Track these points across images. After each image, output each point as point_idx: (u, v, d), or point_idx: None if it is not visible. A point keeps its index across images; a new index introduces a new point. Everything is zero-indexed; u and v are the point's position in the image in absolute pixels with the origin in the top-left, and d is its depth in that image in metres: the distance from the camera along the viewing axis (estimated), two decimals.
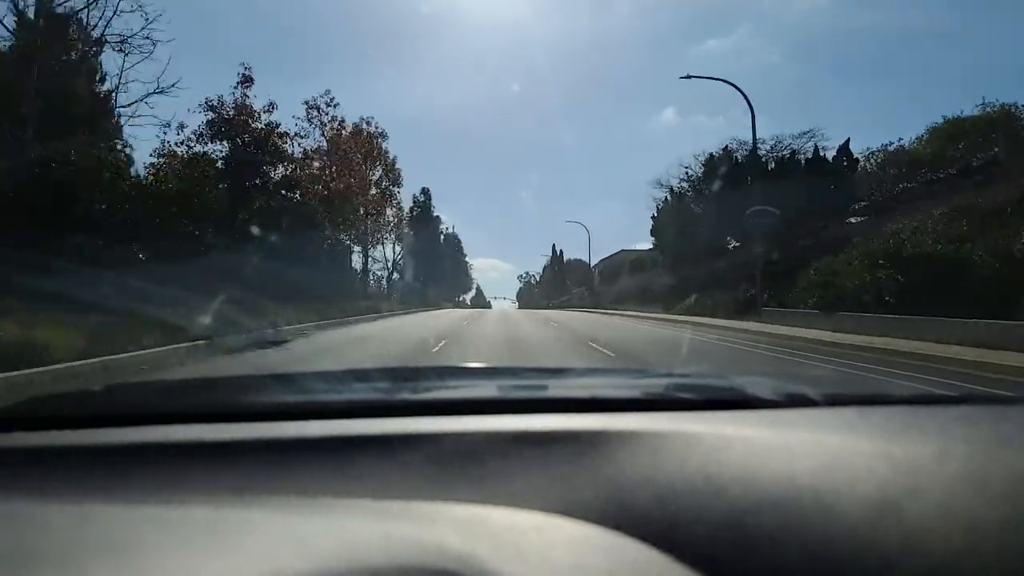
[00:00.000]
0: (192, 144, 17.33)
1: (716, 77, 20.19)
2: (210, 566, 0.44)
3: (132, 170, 15.62)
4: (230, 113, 17.49)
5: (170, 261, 13.08)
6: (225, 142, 17.17)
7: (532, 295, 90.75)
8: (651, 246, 48.07)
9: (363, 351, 10.91)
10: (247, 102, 17.83)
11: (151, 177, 14.82)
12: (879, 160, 22.27)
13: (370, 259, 39.77)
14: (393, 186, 37.11)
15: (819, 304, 16.50)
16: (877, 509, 0.52)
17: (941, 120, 21.21)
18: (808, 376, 7.77)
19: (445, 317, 26.45)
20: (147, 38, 18.29)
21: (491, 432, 0.76)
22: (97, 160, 13.81)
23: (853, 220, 22.93)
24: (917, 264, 12.73)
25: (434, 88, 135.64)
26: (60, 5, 19.30)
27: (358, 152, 30.40)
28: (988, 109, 20.45)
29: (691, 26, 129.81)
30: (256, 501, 0.60)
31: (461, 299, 75.07)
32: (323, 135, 28.25)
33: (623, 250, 53.48)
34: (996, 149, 17.85)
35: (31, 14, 20.67)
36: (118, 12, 18.53)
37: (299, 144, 24.21)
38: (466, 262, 77.24)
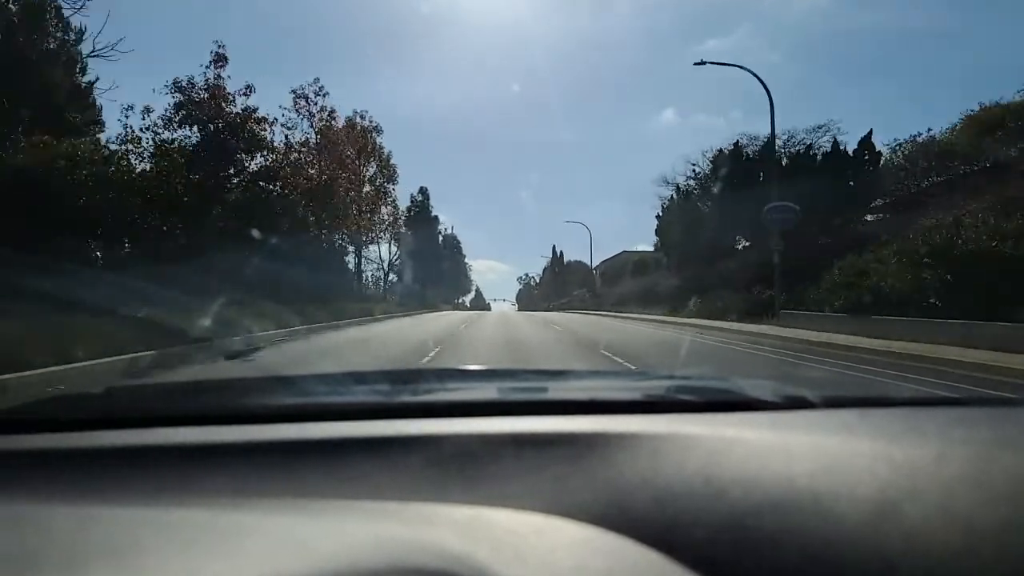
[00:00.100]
0: (159, 131, 15.78)
1: (730, 63, 18.86)
2: (210, 568, 0.44)
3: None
4: (201, 95, 15.86)
5: (130, 258, 11.73)
6: (196, 128, 15.51)
7: (531, 297, 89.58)
8: (653, 247, 47.64)
9: (342, 362, 9.54)
10: (220, 83, 16.17)
11: (113, 166, 13.32)
12: (906, 152, 20.85)
13: (365, 260, 38.40)
14: (388, 183, 35.59)
15: (845, 306, 15.18)
16: (877, 511, 0.52)
17: (977, 107, 19.83)
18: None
19: (442, 320, 25.28)
20: None
21: (490, 434, 0.75)
22: (68, 153, 12.47)
23: (873, 217, 21.60)
24: (970, 262, 11.30)
25: (434, 88, 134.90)
26: None
27: (351, 147, 28.94)
28: None
29: (691, 26, 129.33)
30: (256, 503, 0.60)
31: (460, 301, 73.72)
32: (312, 126, 26.62)
33: (625, 251, 52.79)
34: None
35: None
36: None
37: (285, 135, 22.77)
38: (465, 263, 75.72)
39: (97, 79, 27.12)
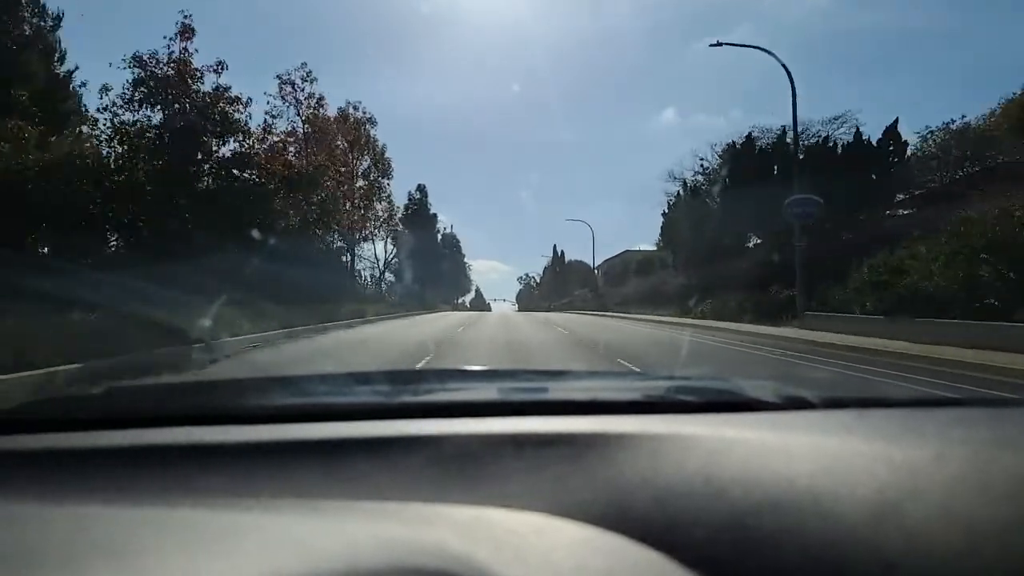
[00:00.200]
0: (119, 112, 14.00)
1: (748, 44, 17.47)
2: (210, 568, 0.45)
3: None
4: (165, 71, 14.13)
5: (83, 252, 10.35)
6: (159, 109, 13.80)
7: (532, 297, 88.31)
8: (655, 247, 46.42)
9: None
10: (187, 58, 14.43)
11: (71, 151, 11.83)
12: (938, 140, 19.41)
13: (360, 258, 36.91)
14: (383, 177, 33.98)
15: (879, 307, 13.81)
16: (877, 511, 0.52)
17: (1020, 91, 18.38)
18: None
19: (440, 321, 23.94)
20: None
21: (491, 434, 0.75)
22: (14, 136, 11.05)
23: (902, 211, 20.19)
24: None
25: (433, 88, 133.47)
26: None
27: (343, 138, 27.45)
28: None
29: (691, 25, 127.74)
30: (256, 503, 0.60)
31: (460, 301, 72.31)
32: (299, 114, 24.84)
33: (627, 250, 51.74)
34: None
35: None
36: None
37: (266, 120, 21.09)
38: (465, 263, 74.01)
39: (76, 68, 25.80)
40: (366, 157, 32.11)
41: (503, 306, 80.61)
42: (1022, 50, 53.87)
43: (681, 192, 33.82)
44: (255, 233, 13.42)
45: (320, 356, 10.53)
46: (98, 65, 44.78)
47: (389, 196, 35.82)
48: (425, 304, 44.90)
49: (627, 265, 46.30)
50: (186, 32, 14.76)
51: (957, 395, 1.18)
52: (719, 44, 17.64)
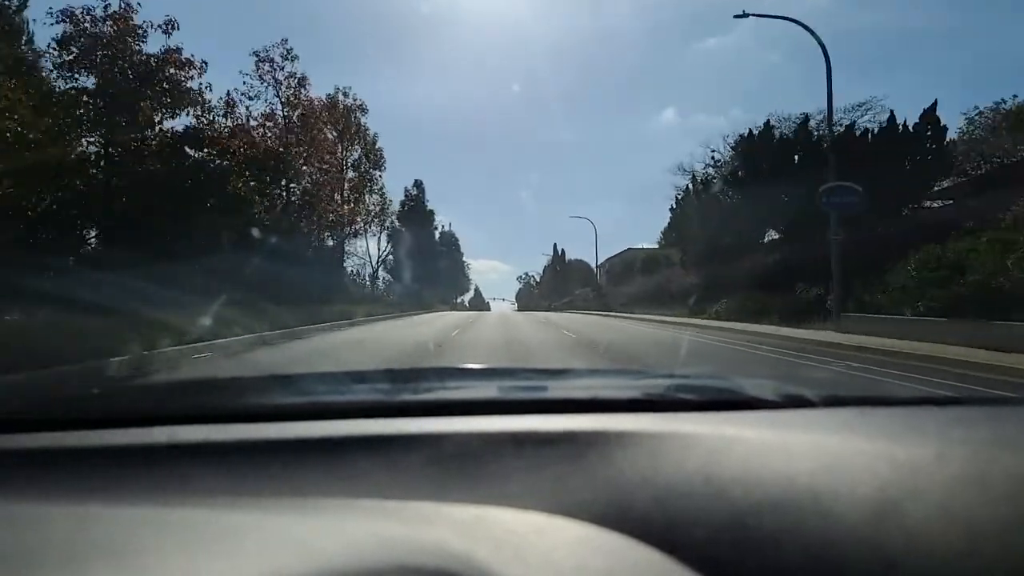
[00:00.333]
0: (52, 78, 11.81)
1: (779, 16, 15.66)
2: (210, 567, 0.44)
3: None
4: (101, 29, 11.67)
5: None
6: (93, 74, 11.42)
7: (532, 296, 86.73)
8: (657, 245, 44.87)
9: None
10: (127, 14, 11.82)
11: None
12: (988, 122, 17.58)
13: (350, 255, 34.96)
14: (374, 169, 31.82)
15: (936, 308, 12.02)
16: (878, 510, 0.52)
17: None
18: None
19: (437, 322, 22.12)
20: None
21: (491, 433, 0.75)
22: None
23: (939, 202, 18.37)
24: None
25: (433, 88, 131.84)
26: None
27: (331, 127, 25.44)
28: None
29: (691, 25, 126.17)
30: (256, 502, 0.60)
31: (459, 301, 70.54)
32: (278, 95, 21.88)
33: (630, 248, 50.19)
34: None
35: None
36: None
37: (236, 97, 18.90)
38: (464, 262, 72.06)
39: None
40: (356, 147, 29.98)
41: (502, 305, 79.29)
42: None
43: (691, 186, 32.10)
44: (219, 222, 11.42)
45: (280, 371, 8.68)
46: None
47: (381, 189, 33.72)
48: (422, 304, 43.10)
49: (630, 263, 45.01)
50: None
51: (958, 393, 1.05)
52: (744, 15, 15.78)
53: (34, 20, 21.47)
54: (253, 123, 15.59)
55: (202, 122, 12.71)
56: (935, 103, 18.63)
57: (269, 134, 19.04)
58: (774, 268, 21.44)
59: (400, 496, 0.60)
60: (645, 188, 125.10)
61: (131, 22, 12.19)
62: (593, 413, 0.82)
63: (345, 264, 32.98)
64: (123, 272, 8.81)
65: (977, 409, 0.92)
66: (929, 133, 18.54)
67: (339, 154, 27.16)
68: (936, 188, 18.88)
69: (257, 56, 22.09)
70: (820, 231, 17.47)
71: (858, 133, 21.14)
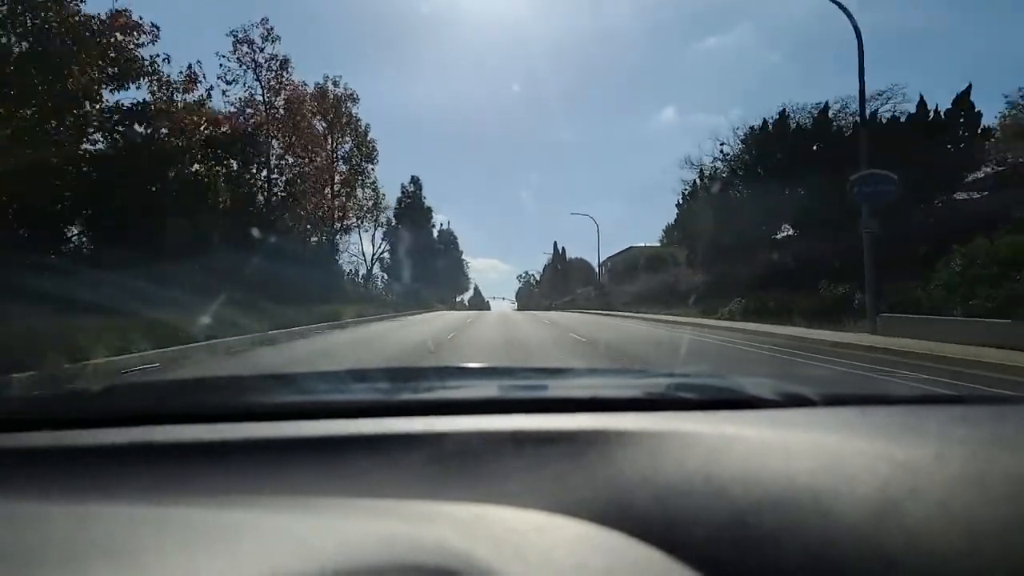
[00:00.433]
0: None
1: None
2: (210, 566, 0.45)
3: None
4: None
5: None
6: (24, 40, 9.23)
7: (532, 295, 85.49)
8: (659, 243, 43.65)
9: None
10: None
11: None
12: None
13: (343, 252, 33.50)
14: (366, 162, 30.30)
15: (991, 309, 10.73)
16: (878, 509, 0.52)
17: None
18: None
19: (436, 322, 20.82)
20: None
21: (491, 432, 0.75)
22: None
23: (975, 193, 17.04)
24: None
25: (433, 88, 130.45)
26: None
27: (319, 118, 23.99)
28: None
29: (691, 24, 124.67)
30: (256, 501, 0.60)
31: (459, 300, 69.24)
32: (258, 79, 20.20)
33: (632, 246, 48.96)
34: None
35: None
36: None
37: (226, 88, 17.40)
38: (463, 260, 70.67)
39: None
40: (347, 138, 28.52)
41: (502, 305, 78.06)
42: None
43: (698, 180, 30.77)
44: (161, 207, 9.87)
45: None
46: None
47: (374, 183, 32.24)
48: (420, 303, 41.75)
49: (633, 262, 43.92)
50: None
51: (957, 392, 1.09)
52: None
53: None
54: (232, 109, 14.16)
55: (159, 98, 11.18)
56: (969, 87, 17.41)
57: (251, 121, 17.64)
58: (792, 265, 20.19)
59: (400, 495, 0.60)
60: (645, 188, 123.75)
61: None
62: (593, 412, 0.81)
63: (339, 262, 31.47)
64: (55, 261, 7.45)
65: (978, 408, 0.91)
66: (962, 120, 17.24)
67: (329, 146, 25.74)
68: (970, 178, 17.56)
69: (235, 37, 20.48)
70: (842, 224, 16.21)
71: (890, 119, 19.84)
